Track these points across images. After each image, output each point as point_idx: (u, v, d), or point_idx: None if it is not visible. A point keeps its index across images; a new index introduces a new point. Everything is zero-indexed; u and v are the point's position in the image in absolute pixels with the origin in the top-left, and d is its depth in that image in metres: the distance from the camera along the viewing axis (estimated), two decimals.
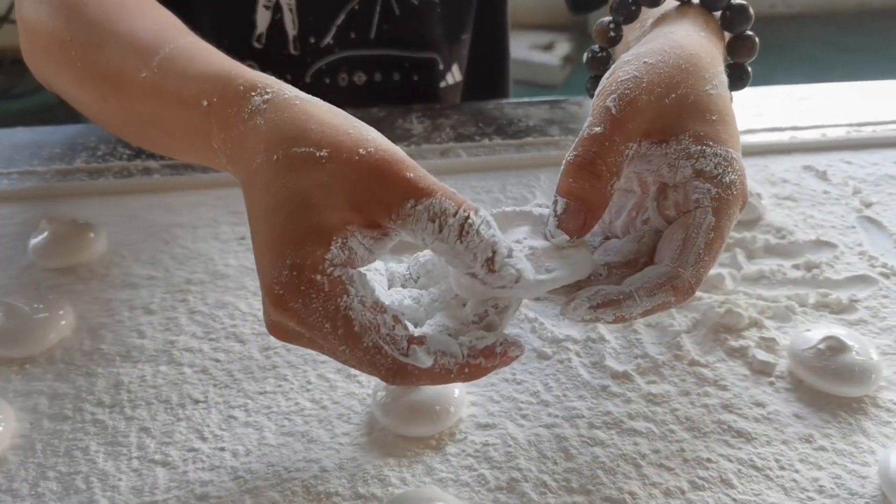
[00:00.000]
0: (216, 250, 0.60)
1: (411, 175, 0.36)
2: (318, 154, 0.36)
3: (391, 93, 0.80)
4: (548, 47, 2.84)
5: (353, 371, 0.50)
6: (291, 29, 0.76)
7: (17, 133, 0.73)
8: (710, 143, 0.40)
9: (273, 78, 0.41)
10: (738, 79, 0.48)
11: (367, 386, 0.49)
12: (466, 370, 0.36)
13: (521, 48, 2.71)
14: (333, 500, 0.43)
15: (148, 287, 0.57)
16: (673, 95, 0.41)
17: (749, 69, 0.48)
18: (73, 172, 0.68)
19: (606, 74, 0.42)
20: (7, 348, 0.51)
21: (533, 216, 0.42)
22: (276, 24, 0.76)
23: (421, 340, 0.36)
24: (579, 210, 0.39)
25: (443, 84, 0.83)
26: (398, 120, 0.74)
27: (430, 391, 0.46)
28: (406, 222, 0.36)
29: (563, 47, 2.83)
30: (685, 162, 0.40)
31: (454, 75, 0.85)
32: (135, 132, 0.53)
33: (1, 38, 2.69)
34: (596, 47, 0.50)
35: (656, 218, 0.42)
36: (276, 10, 0.75)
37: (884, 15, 3.12)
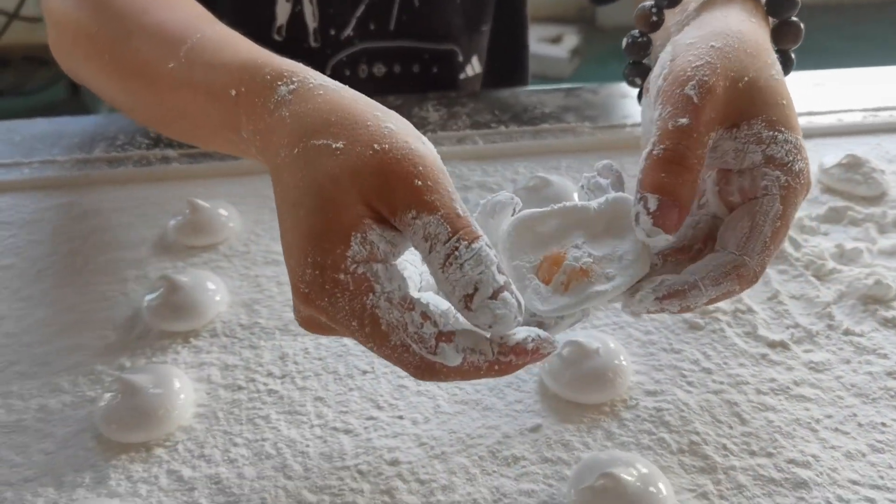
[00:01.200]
0: None
1: (419, 183, 0.35)
2: (333, 146, 0.36)
3: (411, 84, 0.80)
4: (556, 40, 2.84)
5: None
6: (312, 21, 0.76)
7: (37, 124, 0.74)
8: (782, 129, 0.39)
9: (300, 65, 0.41)
10: (782, 65, 0.45)
11: None
12: (496, 367, 0.35)
13: (530, 41, 2.71)
14: (521, 464, 0.44)
15: None
16: (746, 79, 0.40)
17: (793, 56, 0.47)
18: (93, 162, 0.68)
19: (660, 61, 0.42)
20: (172, 322, 0.52)
21: (574, 211, 0.40)
22: (297, 17, 0.76)
23: (450, 337, 0.34)
24: (674, 206, 0.37)
25: (462, 76, 0.83)
26: (414, 108, 0.75)
27: (598, 361, 0.47)
28: (405, 230, 0.35)
29: (570, 40, 2.83)
30: (755, 147, 0.39)
31: (473, 67, 0.85)
32: (164, 124, 0.54)
33: (11, 36, 2.70)
34: (636, 32, 0.47)
35: (715, 204, 0.41)
36: (297, 2, 0.75)
37: (889, 2, 3.12)
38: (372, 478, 0.43)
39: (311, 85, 0.39)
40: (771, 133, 0.39)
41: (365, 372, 0.49)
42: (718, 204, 0.41)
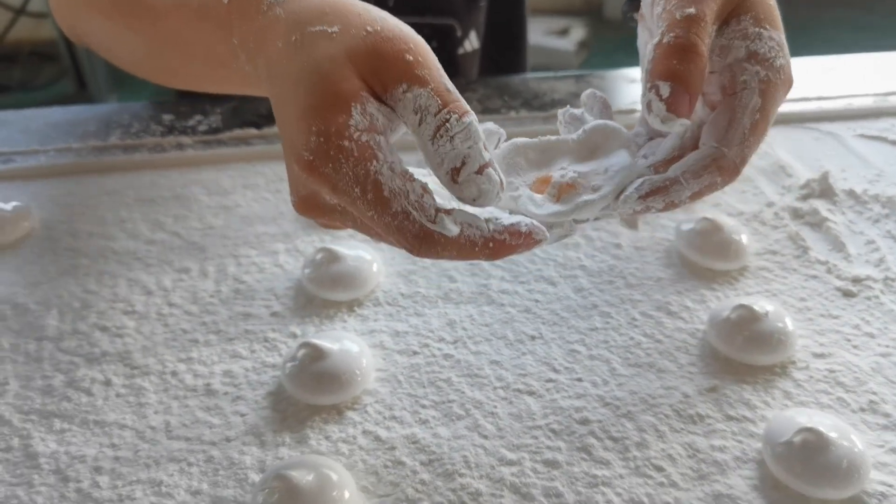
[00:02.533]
0: None
1: (410, 58, 0.36)
2: (329, 30, 0.37)
3: None
4: (563, 32, 2.84)
5: (675, 308, 0.52)
6: None
7: (53, 112, 0.75)
8: (767, 27, 0.40)
9: None
10: None
11: (692, 321, 0.51)
12: (491, 244, 0.36)
13: (537, 34, 2.70)
14: (707, 421, 0.45)
15: None
16: None
17: None
18: (108, 149, 0.69)
19: None
20: (335, 292, 0.53)
21: (559, 142, 0.43)
22: None
23: (448, 211, 0.35)
24: (685, 92, 0.38)
25: (461, 51, 0.84)
26: None
27: (767, 325, 0.48)
28: (396, 106, 0.36)
29: (577, 32, 2.84)
30: (740, 42, 0.40)
31: (472, 42, 0.85)
32: (158, 61, 0.54)
33: (18, 32, 2.71)
34: None
35: (700, 108, 0.42)
36: None
37: None
38: (566, 436, 0.44)
39: None
40: (756, 30, 0.40)
41: (534, 337, 0.51)
42: (703, 108, 0.42)
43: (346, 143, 0.34)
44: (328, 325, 0.52)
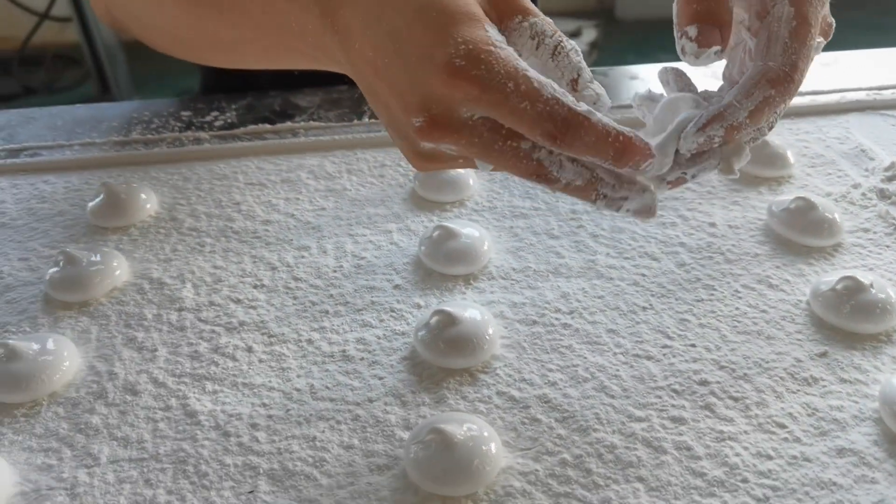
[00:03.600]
0: None
1: None
2: None
3: None
4: (574, 34, 2.88)
5: (776, 281, 0.55)
6: None
7: (77, 109, 0.78)
8: None
9: None
10: None
11: (794, 293, 0.54)
12: (621, 138, 0.38)
13: None
14: (821, 384, 0.48)
15: (540, 215, 0.62)
16: None
17: None
18: (130, 143, 0.72)
19: None
20: (451, 266, 0.56)
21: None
22: None
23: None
24: (712, 27, 0.42)
25: None
26: None
27: (872, 295, 0.51)
28: (511, 35, 0.41)
29: (589, 33, 2.88)
30: None
31: None
32: (206, 40, 0.56)
33: (42, 36, 2.76)
34: None
35: (751, 41, 0.44)
36: None
37: None
38: (688, 396, 0.47)
39: None
40: None
41: (644, 308, 0.53)
42: (753, 41, 0.44)
43: (493, 48, 0.38)
44: (448, 296, 0.55)
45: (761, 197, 0.63)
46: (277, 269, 0.58)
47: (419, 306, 0.54)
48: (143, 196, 0.64)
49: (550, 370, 0.49)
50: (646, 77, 0.82)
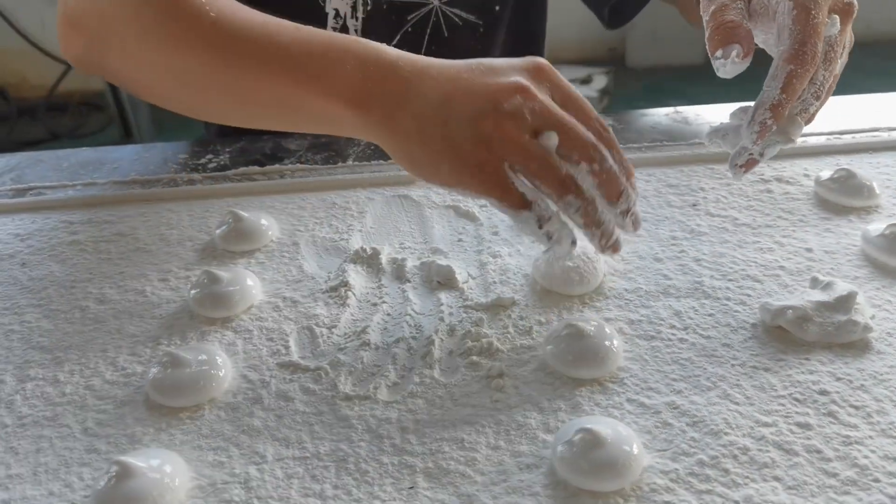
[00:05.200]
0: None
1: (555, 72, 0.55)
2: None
3: None
4: (585, 81, 2.96)
5: (878, 301, 0.58)
6: None
7: (82, 152, 0.84)
8: None
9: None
10: None
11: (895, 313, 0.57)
12: (624, 175, 0.54)
13: None
14: None
15: (643, 241, 0.66)
16: None
17: None
18: (129, 184, 0.77)
19: None
20: (573, 287, 0.60)
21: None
22: None
23: None
24: (732, 44, 0.53)
25: None
26: None
27: None
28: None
29: (600, 80, 2.97)
30: None
31: None
32: (240, 102, 0.60)
33: (68, 84, 2.86)
34: None
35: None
36: (343, 31, 0.85)
37: None
38: (810, 404, 0.50)
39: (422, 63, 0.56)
40: None
41: (754, 325, 0.57)
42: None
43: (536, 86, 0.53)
44: (567, 314, 0.58)
45: (852, 225, 0.67)
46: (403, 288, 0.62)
47: (540, 322, 0.58)
48: (265, 222, 0.68)
49: (674, 379, 0.52)
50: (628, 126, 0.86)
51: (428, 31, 0.88)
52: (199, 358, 0.53)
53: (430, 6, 0.87)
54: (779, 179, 0.73)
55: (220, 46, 0.57)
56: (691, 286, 0.61)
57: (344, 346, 0.56)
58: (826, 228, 0.67)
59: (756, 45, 0.55)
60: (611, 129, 0.55)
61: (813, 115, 0.56)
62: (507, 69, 0.53)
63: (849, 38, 0.58)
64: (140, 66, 0.63)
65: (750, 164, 0.56)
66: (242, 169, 0.78)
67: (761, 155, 0.55)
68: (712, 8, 0.55)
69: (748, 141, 0.53)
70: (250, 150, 0.82)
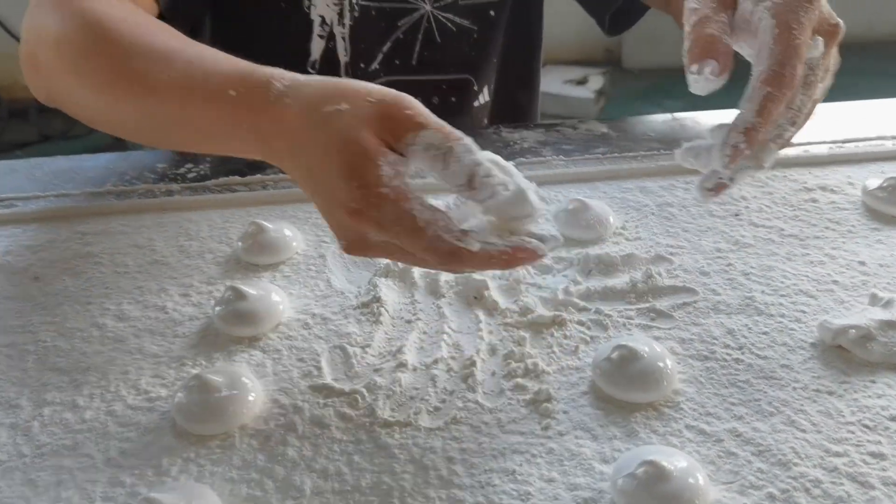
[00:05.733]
0: None
1: (409, 112, 0.46)
2: (340, 108, 0.46)
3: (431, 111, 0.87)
4: (581, 82, 2.91)
5: None
6: (343, 56, 0.83)
7: (57, 161, 0.79)
8: None
9: (285, 71, 0.50)
10: None
11: None
12: (504, 256, 0.45)
13: (555, 83, 2.80)
14: None
15: (686, 253, 0.63)
16: None
17: None
18: (103, 195, 0.73)
19: None
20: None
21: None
22: (329, 52, 0.83)
23: (468, 233, 0.45)
24: (709, 60, 0.49)
25: (476, 103, 0.90)
26: None
27: None
28: (408, 150, 0.45)
29: (596, 81, 2.91)
30: (745, 3, 0.50)
31: (485, 95, 0.91)
32: (151, 131, 0.61)
33: None
34: None
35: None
36: (330, 38, 0.82)
37: None
38: (881, 431, 0.47)
39: (301, 80, 0.49)
40: None
41: (813, 344, 0.54)
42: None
43: (384, 189, 0.44)
44: (615, 333, 0.55)
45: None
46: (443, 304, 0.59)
47: (586, 341, 0.55)
48: (289, 233, 0.65)
49: (733, 404, 0.49)
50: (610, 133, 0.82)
51: (420, 36, 0.85)
52: (228, 381, 0.50)
53: (422, 12, 0.84)
54: (823, 188, 0.70)
55: (126, 78, 0.57)
56: (742, 302, 0.58)
57: (379, 368, 0.53)
58: (877, 240, 0.64)
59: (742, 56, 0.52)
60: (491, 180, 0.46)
61: (787, 141, 0.52)
62: (340, 142, 0.46)
63: (834, 61, 0.54)
64: (77, 106, 0.64)
65: (719, 188, 0.51)
66: (223, 179, 0.74)
67: (731, 180, 0.51)
68: (693, 20, 0.51)
69: (718, 164, 0.49)
70: (232, 159, 0.74)
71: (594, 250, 0.63)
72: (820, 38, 0.50)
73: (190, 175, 0.75)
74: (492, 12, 0.87)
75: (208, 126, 0.53)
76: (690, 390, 0.51)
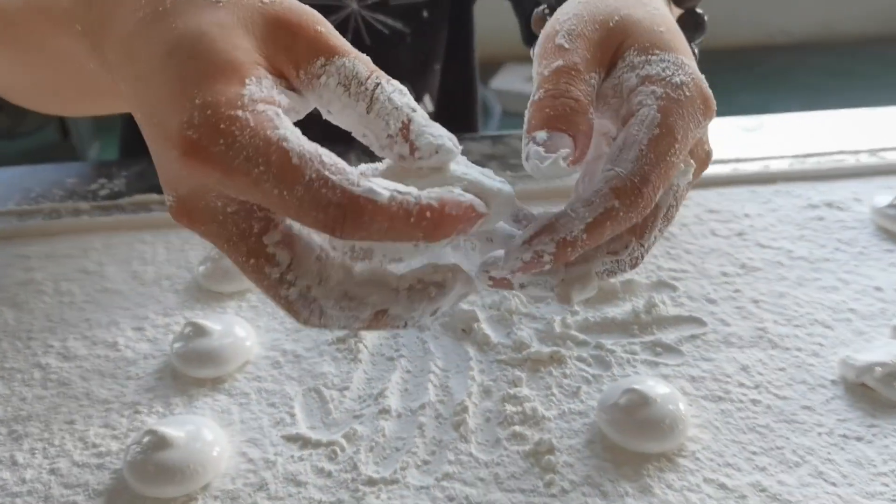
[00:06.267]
0: None
1: (321, 29, 0.32)
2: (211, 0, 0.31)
3: None
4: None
5: None
6: None
7: None
8: (657, 52, 0.36)
9: None
10: (693, 26, 0.44)
11: None
12: (428, 214, 0.30)
13: (517, 80, 2.69)
14: None
15: (691, 278, 0.58)
16: (617, 17, 0.37)
17: (695, 50, 0.43)
18: (4, 215, 0.66)
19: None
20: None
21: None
22: None
23: (368, 176, 0.30)
24: (563, 133, 0.34)
25: None
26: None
27: None
28: (313, 84, 0.32)
29: None
30: (629, 74, 0.36)
31: (426, 105, 0.83)
32: (11, 81, 0.49)
33: None
34: (542, 7, 0.46)
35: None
36: None
37: (881, 41, 3.12)
38: None
39: None
40: (644, 57, 0.36)
41: (834, 381, 0.49)
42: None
43: (240, 112, 0.29)
44: (619, 371, 0.50)
45: None
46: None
47: (588, 381, 0.50)
48: None
49: (754, 453, 0.45)
50: None
51: (348, 38, 0.76)
52: (189, 435, 0.44)
53: (348, 10, 0.75)
54: (829, 205, 0.66)
55: None
56: (754, 334, 0.53)
57: (360, 414, 0.48)
58: (891, 262, 0.59)
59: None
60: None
61: (589, 287, 0.37)
62: (191, 44, 0.31)
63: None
64: None
65: (503, 283, 0.36)
66: (138, 197, 0.66)
67: (521, 286, 0.36)
68: (555, 64, 0.36)
69: (507, 265, 0.34)
70: (150, 174, 0.68)
71: None
72: (693, 164, 0.37)
73: (102, 192, 0.68)
74: (425, 13, 0.78)
75: (47, 45, 0.40)
76: (706, 437, 0.46)
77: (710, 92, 0.36)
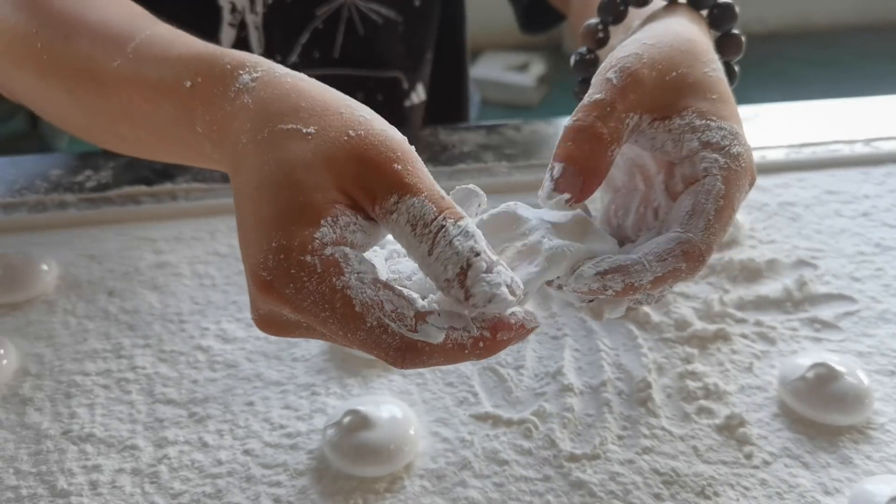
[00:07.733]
0: None
1: (399, 167, 0.33)
2: (304, 130, 0.34)
3: None
4: (522, 67, 2.74)
5: None
6: (257, 47, 0.73)
7: None
8: (714, 119, 0.39)
9: (263, 58, 0.38)
10: (732, 48, 0.46)
11: None
12: (481, 344, 0.33)
13: (496, 69, 2.65)
14: None
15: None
16: (674, 74, 0.39)
17: (736, 68, 0.47)
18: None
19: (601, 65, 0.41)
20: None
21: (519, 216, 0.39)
22: (242, 42, 0.72)
23: (428, 314, 0.32)
24: (577, 174, 0.37)
25: (408, 103, 0.81)
26: None
27: None
28: (387, 219, 0.33)
29: (537, 67, 2.74)
30: (691, 135, 0.38)
31: (419, 94, 0.84)
32: (102, 129, 0.49)
33: None
34: (583, 49, 0.47)
35: (665, 200, 0.40)
36: (242, 27, 0.72)
37: (857, 31, 3.15)
38: None
39: (278, 73, 0.37)
40: (703, 122, 0.39)
41: None
42: (667, 200, 0.40)
43: (309, 257, 0.31)
44: (785, 347, 0.51)
45: None
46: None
47: (758, 356, 0.50)
48: (45, 267, 0.56)
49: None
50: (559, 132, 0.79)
51: (342, 27, 0.75)
52: (388, 413, 0.44)
53: (341, 0, 0.74)
54: None
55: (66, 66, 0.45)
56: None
57: (542, 392, 0.48)
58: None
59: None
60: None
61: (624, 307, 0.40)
62: (280, 180, 0.33)
63: None
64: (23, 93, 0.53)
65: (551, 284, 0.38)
66: (127, 189, 0.64)
67: (559, 287, 0.37)
68: (596, 96, 0.38)
69: (577, 285, 0.36)
70: (138, 165, 0.66)
71: (736, 255, 0.58)
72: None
73: (89, 184, 0.66)
74: (417, 2, 0.78)
75: (160, 124, 0.41)
76: (890, 410, 0.46)
77: (754, 163, 0.39)
